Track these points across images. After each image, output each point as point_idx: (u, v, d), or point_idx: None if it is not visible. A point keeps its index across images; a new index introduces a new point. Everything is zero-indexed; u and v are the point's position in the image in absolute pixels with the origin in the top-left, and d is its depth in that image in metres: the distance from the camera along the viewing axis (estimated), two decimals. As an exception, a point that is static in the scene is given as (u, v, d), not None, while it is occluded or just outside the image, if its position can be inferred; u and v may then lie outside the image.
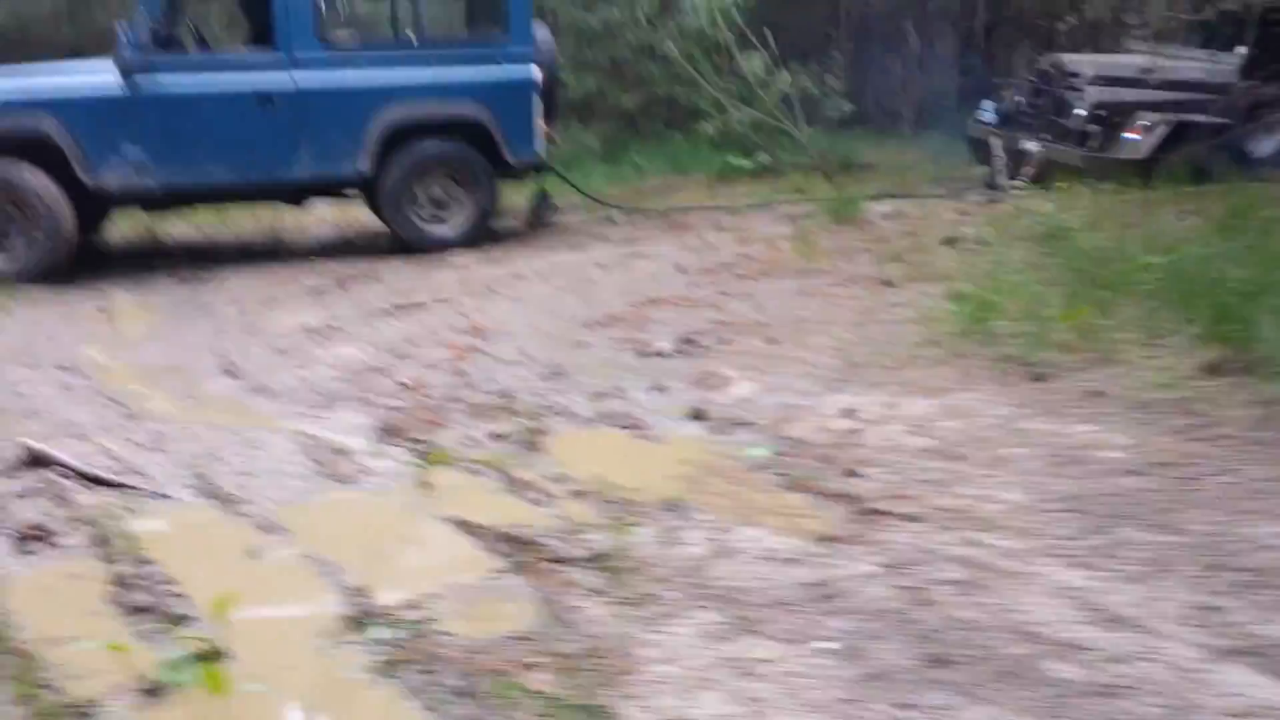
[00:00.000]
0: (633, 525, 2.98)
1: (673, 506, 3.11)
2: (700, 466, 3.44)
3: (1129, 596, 2.51)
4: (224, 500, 3.26)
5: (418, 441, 3.66)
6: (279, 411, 4.01)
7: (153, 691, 2.27)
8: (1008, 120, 8.95)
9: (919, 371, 4.16)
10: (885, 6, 11.68)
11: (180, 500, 3.28)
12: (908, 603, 2.50)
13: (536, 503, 3.19)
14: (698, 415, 3.90)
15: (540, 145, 6.83)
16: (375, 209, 6.90)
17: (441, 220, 6.74)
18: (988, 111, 9.19)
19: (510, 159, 6.74)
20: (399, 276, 6.15)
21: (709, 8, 9.53)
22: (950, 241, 6.35)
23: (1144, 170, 7.75)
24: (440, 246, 6.66)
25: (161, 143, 6.12)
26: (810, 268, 6.02)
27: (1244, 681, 2.21)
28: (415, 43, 6.75)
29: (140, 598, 2.70)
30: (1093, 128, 8.30)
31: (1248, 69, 8.31)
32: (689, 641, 2.39)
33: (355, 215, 7.72)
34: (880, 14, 11.68)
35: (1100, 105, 8.31)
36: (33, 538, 3.00)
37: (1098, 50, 9.53)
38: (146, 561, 2.87)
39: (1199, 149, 8.06)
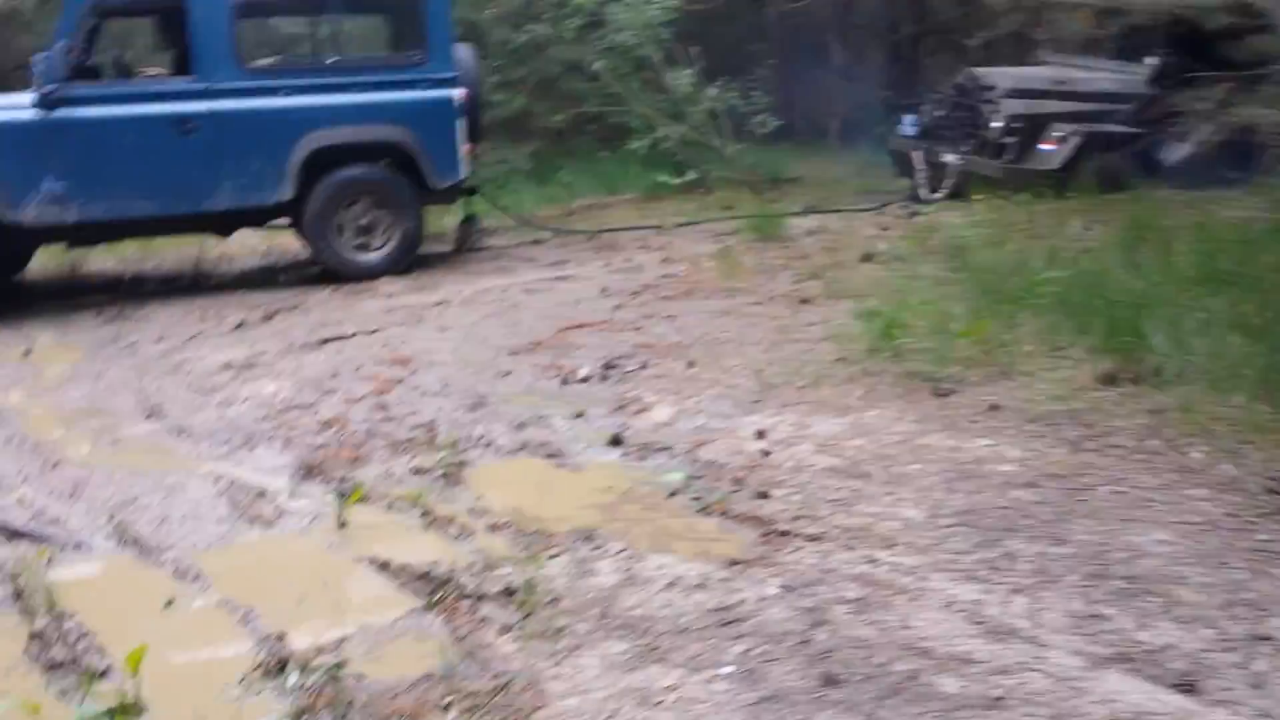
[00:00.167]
0: (547, 557, 3.06)
1: (587, 536, 3.19)
2: (617, 494, 3.52)
3: (1016, 608, 2.64)
4: (143, 548, 3.27)
5: (338, 480, 3.70)
6: (200, 453, 4.02)
7: (65, 748, 2.30)
8: (927, 133, 9.18)
9: (830, 390, 4.28)
10: (810, 21, 11.89)
11: (99, 549, 3.29)
12: (806, 624, 2.60)
13: (453, 538, 3.25)
14: (616, 441, 3.99)
15: (465, 168, 6.88)
16: (302, 237, 6.91)
17: (368, 247, 6.77)
18: (908, 125, 9.42)
19: (435, 182, 6.79)
20: (326, 307, 6.17)
21: (636, 25, 9.67)
22: (868, 257, 6.52)
23: (1058, 180, 8.00)
24: (368, 274, 6.69)
25: (80, 175, 6.09)
26: (732, 287, 6.14)
27: (1120, 688, 2.33)
28: (336, 67, 6.78)
29: (58, 652, 2.72)
30: (1008, 139, 8.56)
31: (1156, 79, 8.62)
32: (596, 673, 2.47)
33: (285, 243, 7.72)
34: (806, 28, 11.90)
35: (1015, 117, 8.57)
36: (-52, 594, 3.00)
37: (1015, 63, 9.80)
38: (64, 615, 2.89)
39: (1113, 158, 8.34)
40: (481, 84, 7.46)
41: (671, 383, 4.59)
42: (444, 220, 8.10)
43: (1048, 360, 4.33)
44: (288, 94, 6.48)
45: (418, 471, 3.78)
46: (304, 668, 2.53)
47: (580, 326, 5.57)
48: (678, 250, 7.27)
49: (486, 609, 2.80)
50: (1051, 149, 8.38)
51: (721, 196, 9.43)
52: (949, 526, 3.07)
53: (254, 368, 5.04)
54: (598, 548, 3.12)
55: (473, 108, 6.92)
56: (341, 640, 2.68)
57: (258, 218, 6.82)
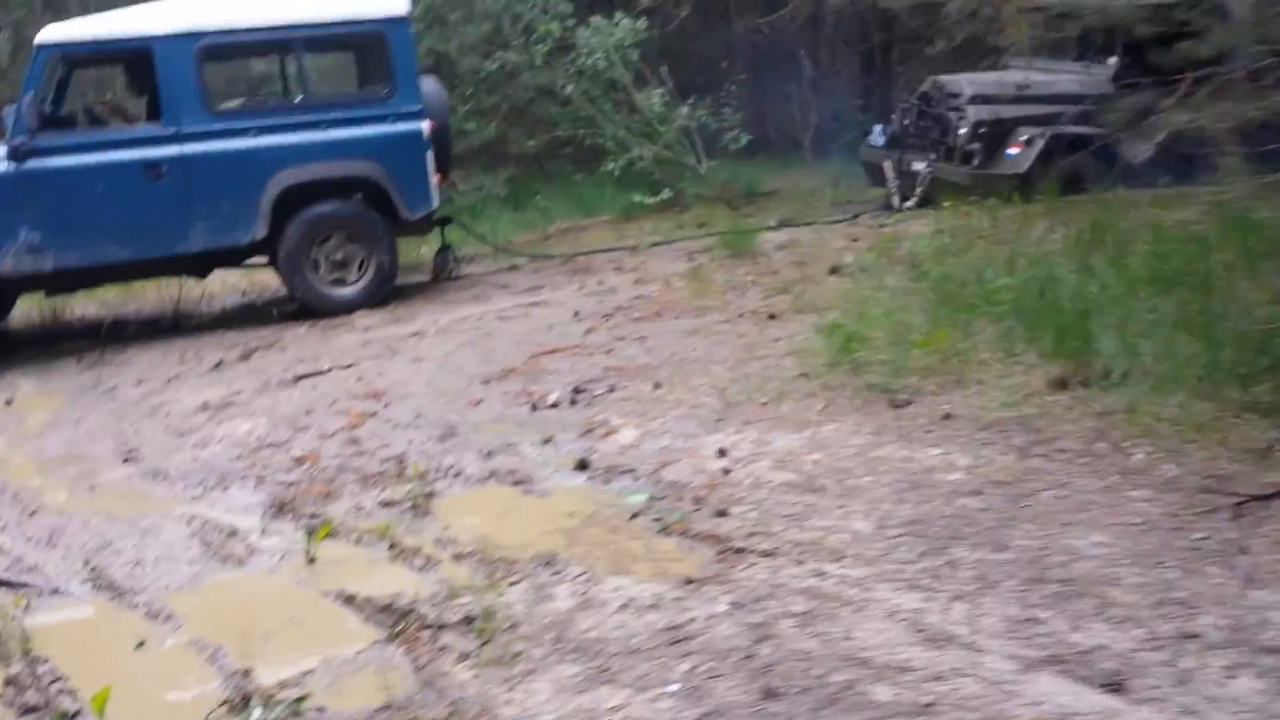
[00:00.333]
0: (507, 584, 3.15)
1: (548, 561, 3.28)
2: (580, 518, 3.61)
3: (955, 615, 2.73)
4: (117, 591, 3.36)
5: (309, 516, 3.79)
6: (174, 495, 4.12)
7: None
8: (896, 142, 9.29)
9: (790, 406, 4.37)
10: (780, 35, 12.03)
11: (75, 594, 3.38)
12: (751, 639, 2.69)
13: (419, 569, 3.34)
14: (583, 465, 4.08)
15: (435, 199, 6.99)
16: (279, 274, 7.01)
17: (344, 282, 6.87)
18: (877, 135, 9.54)
19: (406, 214, 6.90)
20: (303, 343, 6.27)
21: (605, 47, 9.81)
22: (836, 270, 6.61)
23: (1026, 184, 8.10)
24: (345, 308, 6.79)
25: (54, 224, 6.21)
26: (702, 305, 6.23)
27: (1050, 689, 2.42)
28: (303, 106, 6.90)
29: (31, 697, 2.81)
30: (975, 145, 8.66)
31: (1117, 79, 8.73)
32: (547, 697, 2.56)
33: (265, 280, 7.82)
34: (775, 42, 12.03)
35: (980, 123, 8.68)
36: (-75, 645, 3.08)
37: (984, 68, 9.91)
38: (39, 660, 2.98)
39: (1079, 159, 8.44)
40: (449, 115, 7.57)
41: (638, 405, 4.68)
42: (421, 250, 8.22)
43: (1002, 367, 4.42)
44: (256, 134, 6.59)
45: (387, 504, 3.87)
46: (267, 703, 2.62)
47: (552, 352, 5.66)
48: (651, 270, 7.36)
49: (447, 638, 2.88)
50: (1017, 153, 8.49)
51: (697, 214, 9.55)
52: (896, 537, 3.16)
53: (230, 407, 5.13)
54: (557, 573, 3.21)
55: (441, 139, 7.03)
56: (305, 674, 2.76)
57: (233, 258, 6.92)
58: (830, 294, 6.05)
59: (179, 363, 6.04)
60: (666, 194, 9.76)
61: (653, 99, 9.93)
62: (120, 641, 3.08)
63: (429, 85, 7.15)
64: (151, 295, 7.78)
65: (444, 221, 7.58)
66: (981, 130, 8.63)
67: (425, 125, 6.86)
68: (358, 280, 6.88)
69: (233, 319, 7.06)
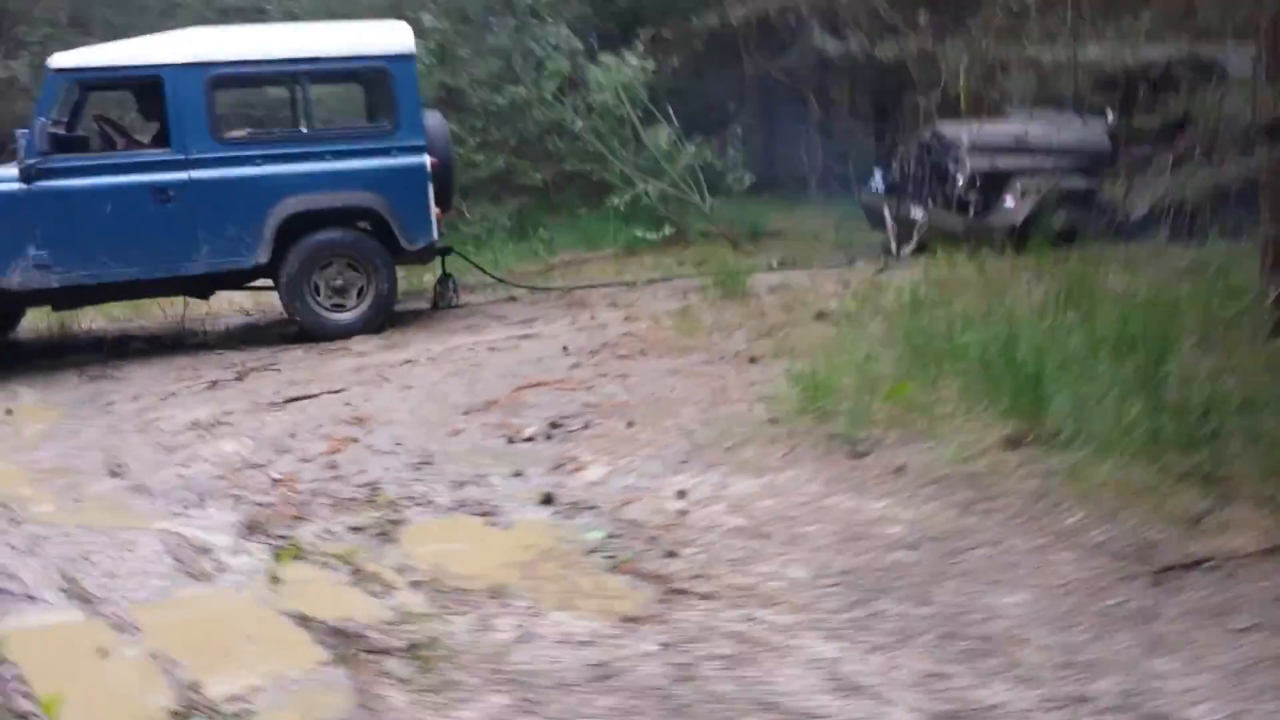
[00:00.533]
0: (454, 614, 3.29)
1: (498, 593, 3.42)
2: (537, 551, 3.75)
3: (870, 666, 2.85)
4: (87, 601, 3.53)
5: (279, 537, 3.95)
6: (154, 510, 4.28)
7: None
8: (895, 189, 9.46)
9: (754, 451, 4.51)
10: (789, 76, 12.24)
11: (47, 603, 3.55)
12: (673, 679, 2.82)
13: (375, 594, 3.49)
14: (548, 500, 4.22)
15: (435, 230, 7.20)
16: (280, 298, 7.22)
17: (343, 308, 7.08)
18: (877, 180, 9.71)
19: (406, 245, 7.11)
20: (297, 366, 6.46)
21: (614, 84, 10.04)
22: (822, 315, 6.76)
23: (1020, 236, 8.22)
24: (343, 333, 6.99)
25: (62, 243, 6.44)
26: (687, 345, 6.39)
27: (950, 741, 2.54)
28: (309, 137, 7.13)
29: (-6, 701, 2.97)
30: (972, 195, 8.82)
31: (1114, 133, 8.87)
32: (475, 725, 2.70)
33: (268, 302, 8.03)
34: (783, 83, 12.24)
35: (978, 173, 8.84)
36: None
37: (987, 116, 10.05)
38: (4, 662, 3.14)
39: (1075, 213, 8.55)
40: (451, 149, 7.80)
41: (610, 442, 4.82)
42: (425, 277, 8.43)
43: (962, 421, 4.53)
44: (262, 163, 6.83)
45: (355, 529, 4.02)
46: (210, 716, 2.77)
47: (536, 385, 5.83)
48: (643, 307, 7.53)
49: (390, 663, 3.02)
50: (1012, 205, 8.63)
51: (699, 251, 9.74)
52: (829, 586, 3.29)
53: (218, 426, 5.31)
54: (505, 604, 3.35)
55: (442, 173, 7.24)
56: (253, 690, 2.91)
57: (235, 280, 7.14)
58: (812, 339, 6.18)
59: (176, 380, 6.25)
60: (668, 230, 9.94)
61: (659, 136, 10.13)
62: (85, 650, 3.24)
63: (432, 120, 7.38)
64: (158, 313, 8.00)
65: (445, 251, 7.78)
66: (978, 180, 8.78)
67: (427, 160, 7.07)
68: (356, 306, 7.09)
69: (234, 339, 7.26)
